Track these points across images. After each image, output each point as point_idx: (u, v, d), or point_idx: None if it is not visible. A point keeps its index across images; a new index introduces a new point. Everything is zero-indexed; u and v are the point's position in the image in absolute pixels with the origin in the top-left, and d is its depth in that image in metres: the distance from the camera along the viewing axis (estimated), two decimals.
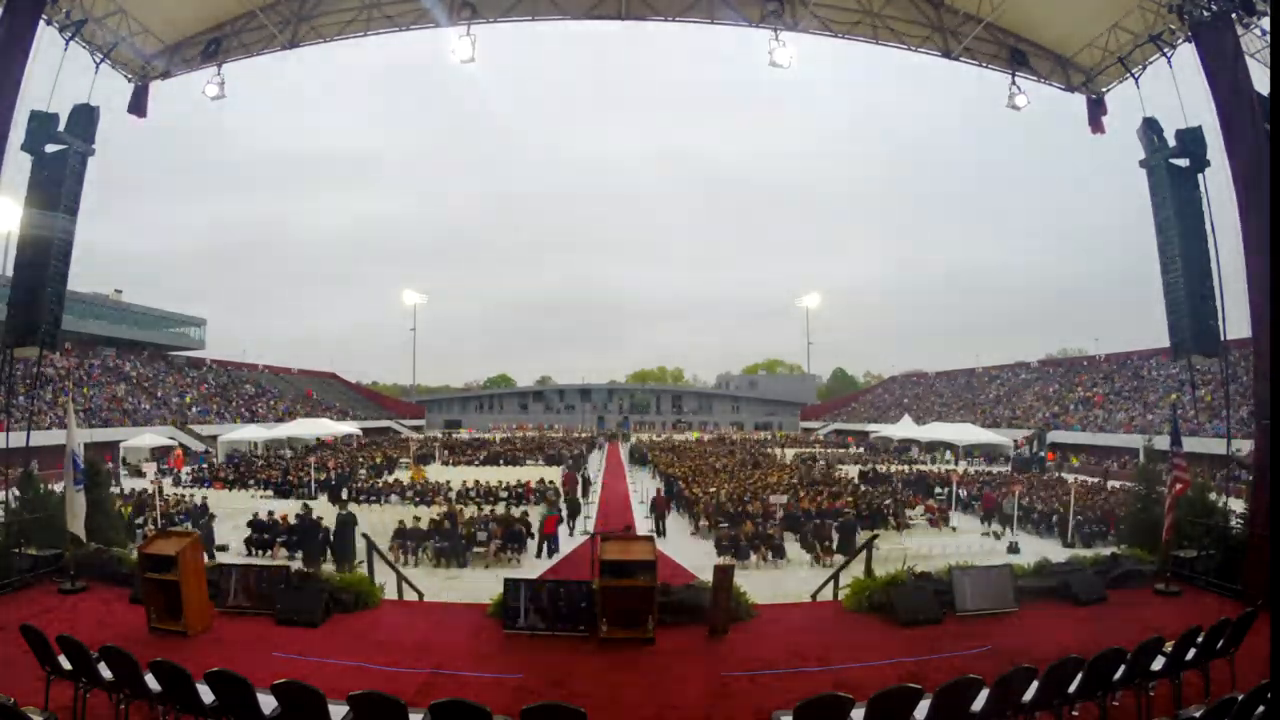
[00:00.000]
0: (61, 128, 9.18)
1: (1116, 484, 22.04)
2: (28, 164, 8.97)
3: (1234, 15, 8.74)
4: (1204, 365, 10.41)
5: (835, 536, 13.80)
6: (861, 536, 12.04)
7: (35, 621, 5.24)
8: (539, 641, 6.70)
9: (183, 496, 18.38)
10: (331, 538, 12.50)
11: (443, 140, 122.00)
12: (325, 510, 14.74)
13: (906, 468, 29.64)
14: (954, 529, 16.89)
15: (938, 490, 22.02)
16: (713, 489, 19.80)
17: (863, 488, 22.28)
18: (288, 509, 15.09)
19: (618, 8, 12.08)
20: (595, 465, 33.23)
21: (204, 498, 17.82)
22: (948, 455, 35.36)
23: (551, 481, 21.75)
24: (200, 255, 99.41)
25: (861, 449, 42.51)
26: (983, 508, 18.84)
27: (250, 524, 14.32)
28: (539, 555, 13.72)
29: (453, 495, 20.03)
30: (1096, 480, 24.77)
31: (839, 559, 12.04)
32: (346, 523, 12.46)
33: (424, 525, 14.09)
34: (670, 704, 5.27)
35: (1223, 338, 9.15)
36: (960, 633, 6.86)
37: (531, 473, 26.26)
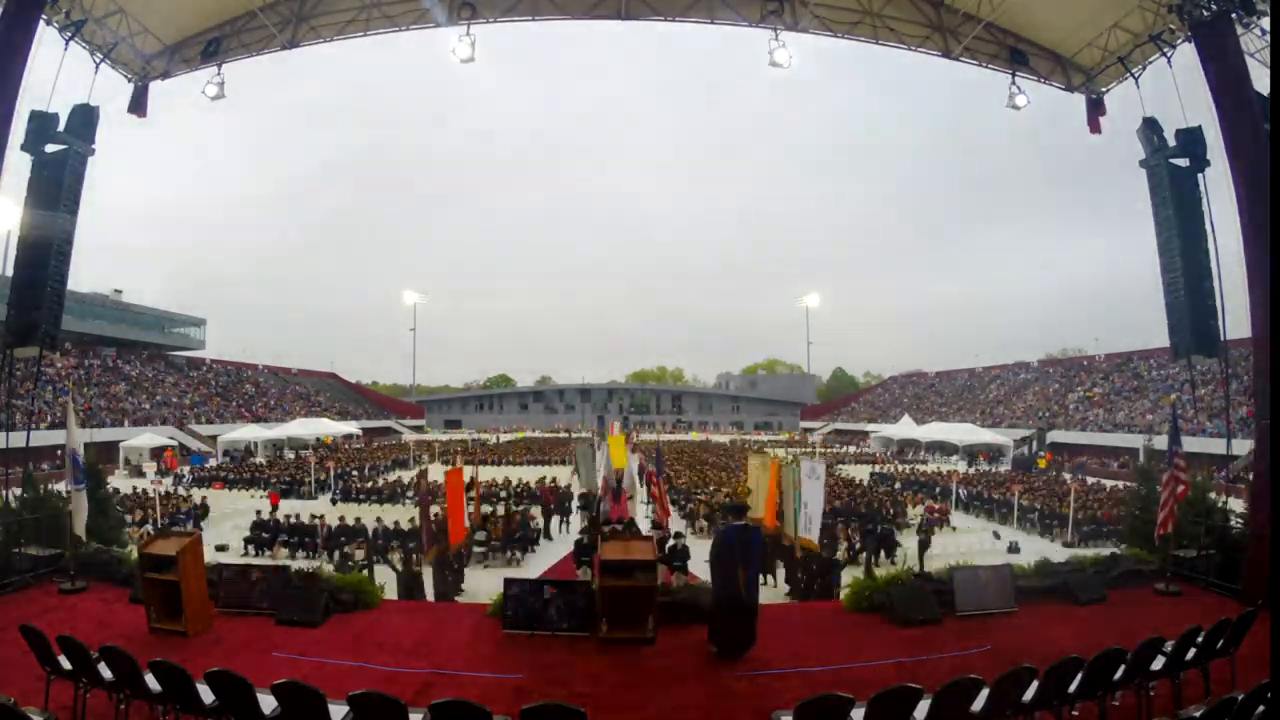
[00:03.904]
0: (61, 128, 9.17)
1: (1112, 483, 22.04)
2: (28, 164, 8.96)
3: (1234, 15, 8.73)
4: (1204, 365, 10.41)
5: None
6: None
7: (35, 621, 5.22)
8: (539, 641, 6.69)
9: (181, 496, 18.38)
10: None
11: None
12: (322, 510, 14.68)
13: (907, 468, 29.69)
14: (954, 529, 16.92)
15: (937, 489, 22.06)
16: (711, 488, 19.84)
17: (879, 487, 22.27)
18: (289, 508, 15.11)
19: (618, 7, 12.09)
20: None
21: (204, 497, 17.84)
22: (953, 458, 35.18)
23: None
24: None
25: (852, 448, 42.48)
26: None
27: (252, 525, 14.34)
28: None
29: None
30: (1094, 480, 24.76)
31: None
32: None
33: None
34: (670, 704, 5.26)
35: (1223, 338, 9.14)
36: (960, 633, 6.85)
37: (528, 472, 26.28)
